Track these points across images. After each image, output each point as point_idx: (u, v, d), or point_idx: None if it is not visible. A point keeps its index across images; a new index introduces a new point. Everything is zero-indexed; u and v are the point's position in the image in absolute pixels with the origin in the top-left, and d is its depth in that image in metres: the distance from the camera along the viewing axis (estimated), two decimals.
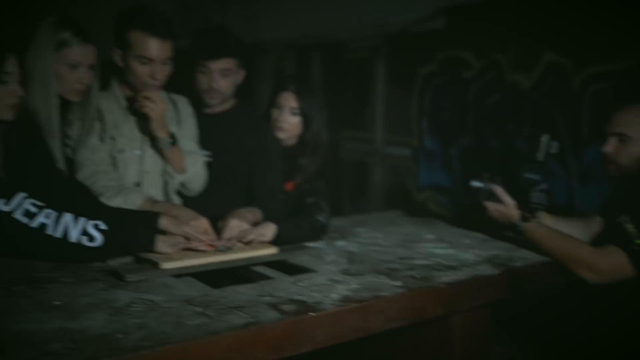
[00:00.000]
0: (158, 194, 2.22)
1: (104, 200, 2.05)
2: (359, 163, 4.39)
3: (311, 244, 2.18)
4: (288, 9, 4.80)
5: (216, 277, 1.83)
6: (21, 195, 1.72)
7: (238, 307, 1.52)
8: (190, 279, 1.77)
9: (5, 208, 1.68)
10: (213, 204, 2.25)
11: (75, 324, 1.37)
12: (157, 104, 2.08)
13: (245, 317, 1.45)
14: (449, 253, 2.14)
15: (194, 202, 2.26)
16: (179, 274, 1.78)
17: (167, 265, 1.79)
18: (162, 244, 1.86)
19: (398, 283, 1.77)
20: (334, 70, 4.55)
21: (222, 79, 2.28)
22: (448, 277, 1.86)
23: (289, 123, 2.38)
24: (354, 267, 1.93)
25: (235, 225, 2.03)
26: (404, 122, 4.03)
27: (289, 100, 2.38)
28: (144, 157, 2.20)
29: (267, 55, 5.02)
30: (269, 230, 2.07)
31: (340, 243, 2.24)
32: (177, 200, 2.29)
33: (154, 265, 1.79)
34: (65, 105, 2.10)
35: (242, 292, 1.65)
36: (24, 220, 1.70)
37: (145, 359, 1.26)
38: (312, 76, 4.61)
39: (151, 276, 1.73)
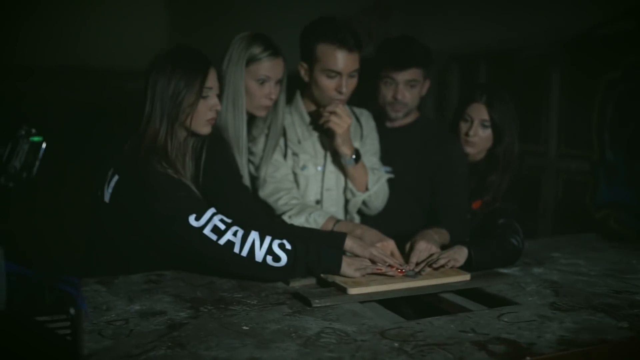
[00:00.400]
0: (339, 213, 2.13)
1: (286, 218, 2.00)
2: (527, 178, 4.09)
3: (505, 270, 1.96)
4: (451, 18, 4.66)
5: (402, 304, 1.69)
6: (211, 211, 1.69)
7: (440, 344, 1.35)
8: (377, 306, 1.64)
9: (196, 224, 1.67)
10: (393, 223, 2.12)
11: (267, 354, 1.28)
12: (343, 119, 1.99)
13: (450, 358, 1.28)
14: None
15: (372, 221, 2.13)
16: (365, 300, 1.65)
17: (354, 290, 1.66)
18: (347, 267, 1.74)
19: (624, 324, 1.50)
20: (502, 80, 4.32)
21: (407, 90, 2.15)
22: None
23: (479, 137, 2.18)
24: (562, 300, 1.68)
25: (424, 248, 1.87)
26: (580, 133, 3.69)
27: (480, 112, 2.18)
28: (325, 174, 2.11)
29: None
30: (462, 254, 1.87)
31: (538, 270, 1.99)
32: (357, 219, 2.17)
33: (340, 289, 1.68)
34: (249, 121, 2.06)
35: (440, 325, 1.47)
36: (213, 237, 1.67)
37: None
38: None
39: (338, 302, 1.61)
